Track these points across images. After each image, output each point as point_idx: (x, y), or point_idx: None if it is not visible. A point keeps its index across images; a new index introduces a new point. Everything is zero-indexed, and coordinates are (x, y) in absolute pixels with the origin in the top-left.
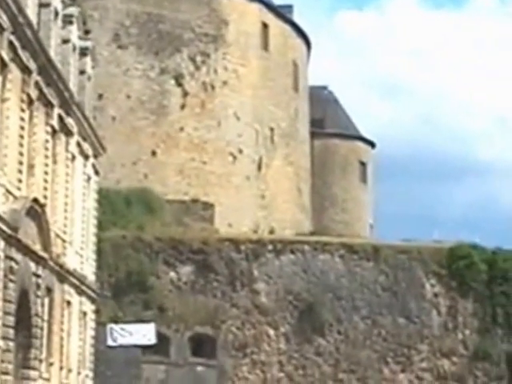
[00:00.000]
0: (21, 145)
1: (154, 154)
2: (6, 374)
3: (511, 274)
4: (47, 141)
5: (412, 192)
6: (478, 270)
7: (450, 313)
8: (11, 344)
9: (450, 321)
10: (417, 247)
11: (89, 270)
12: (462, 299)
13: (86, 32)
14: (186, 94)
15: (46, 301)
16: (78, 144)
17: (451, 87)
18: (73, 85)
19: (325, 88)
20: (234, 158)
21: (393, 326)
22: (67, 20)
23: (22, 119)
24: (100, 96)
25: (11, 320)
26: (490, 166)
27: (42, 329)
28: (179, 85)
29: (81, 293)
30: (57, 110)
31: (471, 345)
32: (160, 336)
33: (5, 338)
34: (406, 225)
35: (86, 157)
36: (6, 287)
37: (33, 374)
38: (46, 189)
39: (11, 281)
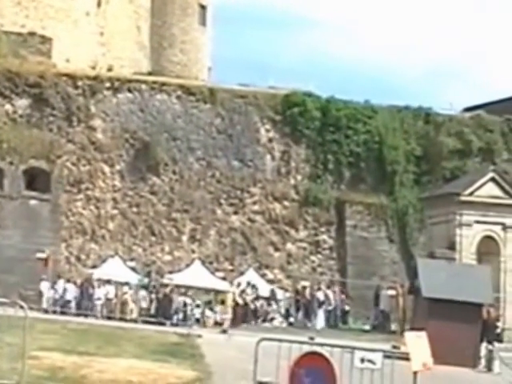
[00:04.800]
0: None
1: None
2: None
3: (343, 123)
4: None
5: (249, 39)
6: (311, 118)
7: (283, 158)
8: None
9: (282, 166)
10: (253, 92)
11: None
12: (296, 145)
13: None
14: None
15: None
16: None
17: None
18: None
19: None
20: None
21: (227, 169)
22: None
23: None
24: None
25: None
26: (328, 19)
27: None
28: None
29: None
30: None
31: (302, 190)
32: None
33: None
34: (243, 70)
35: None
36: None
37: None
38: None
39: None
